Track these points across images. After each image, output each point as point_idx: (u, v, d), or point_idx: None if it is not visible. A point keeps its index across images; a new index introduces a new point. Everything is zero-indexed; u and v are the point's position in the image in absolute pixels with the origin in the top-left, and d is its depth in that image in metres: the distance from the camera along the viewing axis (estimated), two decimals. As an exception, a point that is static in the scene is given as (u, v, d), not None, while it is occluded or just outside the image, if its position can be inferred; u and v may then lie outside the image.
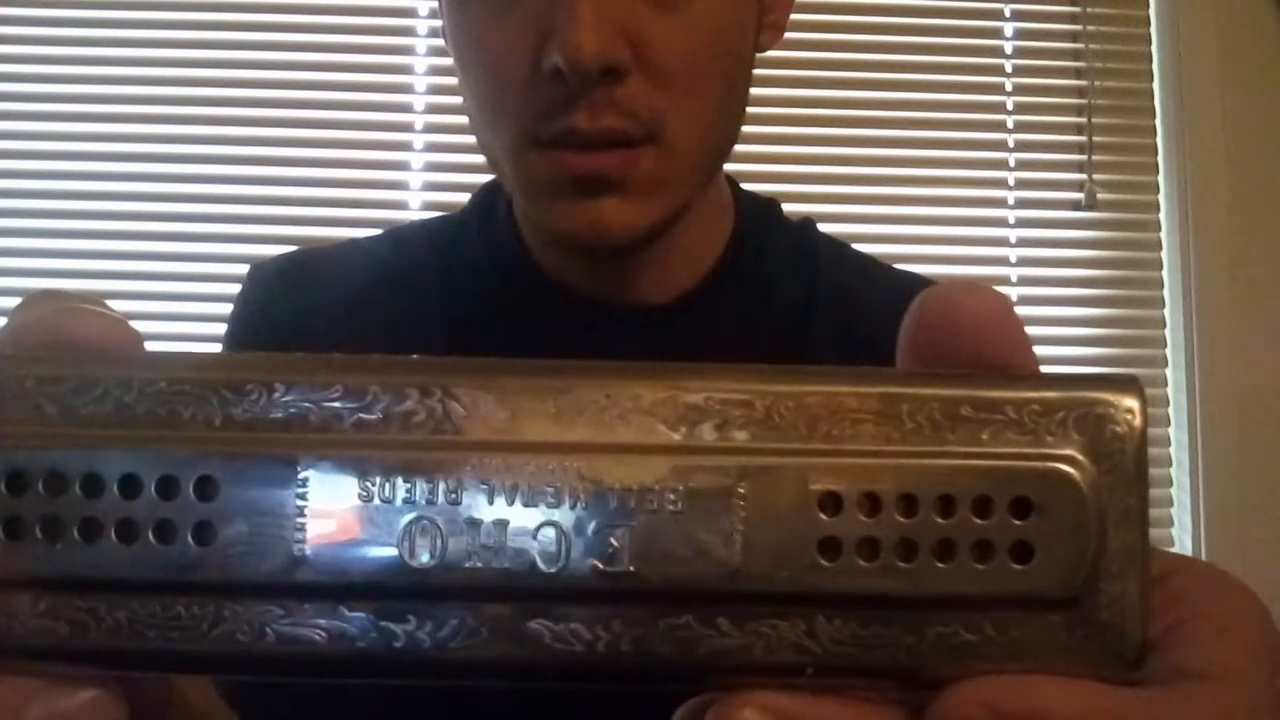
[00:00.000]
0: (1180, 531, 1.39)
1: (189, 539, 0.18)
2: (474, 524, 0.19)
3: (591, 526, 0.19)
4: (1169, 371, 1.42)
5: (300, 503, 0.19)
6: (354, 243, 0.59)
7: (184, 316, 1.38)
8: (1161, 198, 1.45)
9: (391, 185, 1.43)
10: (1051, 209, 1.45)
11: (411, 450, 0.19)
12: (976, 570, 0.18)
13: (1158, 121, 1.45)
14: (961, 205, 1.44)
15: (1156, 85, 1.46)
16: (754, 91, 0.50)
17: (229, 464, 0.19)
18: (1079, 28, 1.46)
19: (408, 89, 1.44)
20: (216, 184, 1.41)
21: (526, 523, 0.19)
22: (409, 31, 1.46)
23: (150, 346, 0.21)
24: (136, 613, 0.18)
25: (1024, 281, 1.45)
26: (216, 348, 0.57)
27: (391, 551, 0.18)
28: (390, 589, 0.19)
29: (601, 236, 0.45)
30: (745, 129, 0.51)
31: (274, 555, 0.18)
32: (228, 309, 0.57)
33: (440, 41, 0.51)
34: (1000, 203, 1.45)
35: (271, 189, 1.41)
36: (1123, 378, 0.20)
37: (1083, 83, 1.45)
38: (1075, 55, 1.46)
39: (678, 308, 0.52)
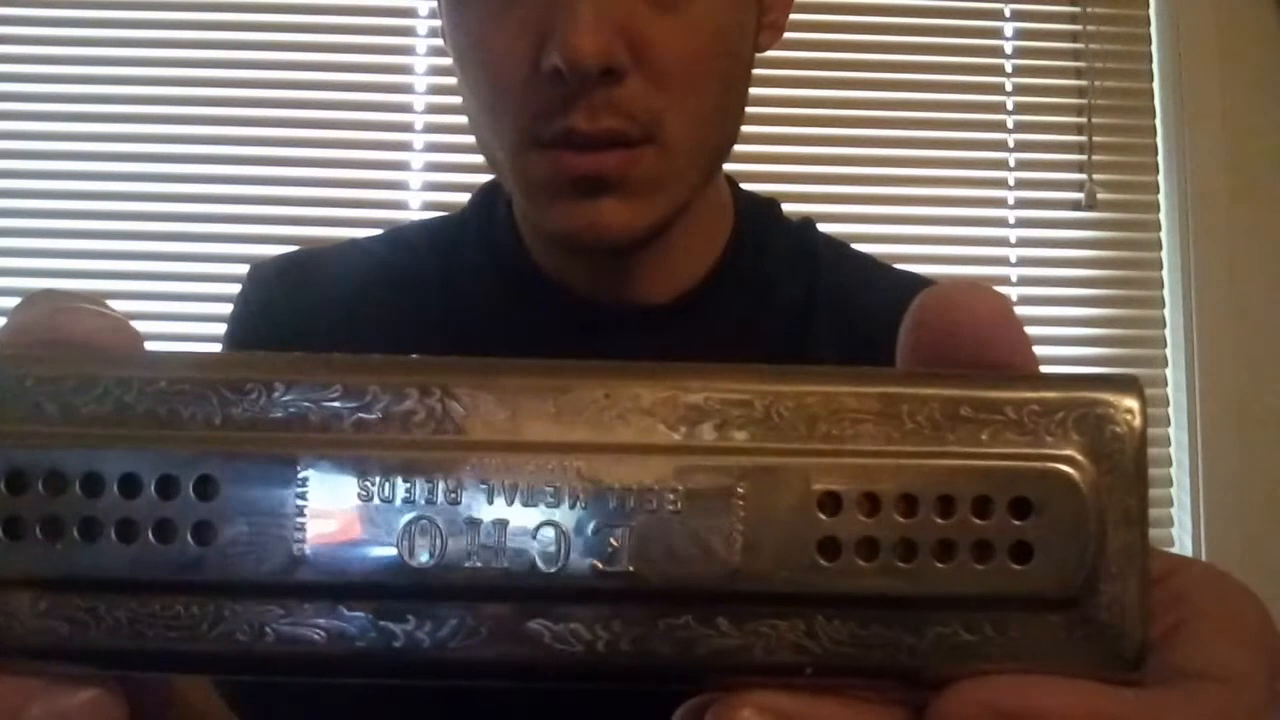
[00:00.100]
0: (1180, 531, 1.39)
1: (189, 539, 0.18)
2: (473, 524, 0.19)
3: (591, 526, 0.19)
4: (1169, 371, 1.42)
5: (300, 502, 0.19)
6: (354, 243, 0.59)
7: (184, 316, 1.38)
8: (1161, 198, 1.45)
9: (391, 185, 1.43)
10: (1051, 209, 1.45)
11: (411, 450, 0.19)
12: (976, 570, 0.18)
13: (1158, 121, 1.45)
14: (961, 205, 1.44)
15: (1156, 85, 1.46)
16: (754, 91, 0.50)
17: (229, 463, 0.19)
18: (1079, 28, 1.46)
19: (408, 89, 1.44)
20: (216, 184, 1.41)
21: (526, 523, 0.19)
22: (409, 31, 1.46)
23: (150, 346, 0.21)
24: (136, 612, 0.18)
25: (1024, 281, 1.45)
26: (216, 348, 0.57)
27: (391, 551, 0.18)
28: (390, 589, 0.19)
29: (600, 237, 0.45)
30: (745, 129, 0.51)
31: (274, 555, 0.18)
32: (228, 309, 0.57)
33: (440, 41, 0.51)
34: (1000, 203, 1.45)
35: (271, 189, 1.41)
36: (1122, 378, 0.20)
37: (1083, 83, 1.45)
38: (1075, 55, 1.46)
39: (677, 308, 0.52)
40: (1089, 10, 1.45)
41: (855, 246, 0.59)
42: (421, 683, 0.19)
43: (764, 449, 0.19)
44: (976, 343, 0.20)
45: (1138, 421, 0.19)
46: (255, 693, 0.36)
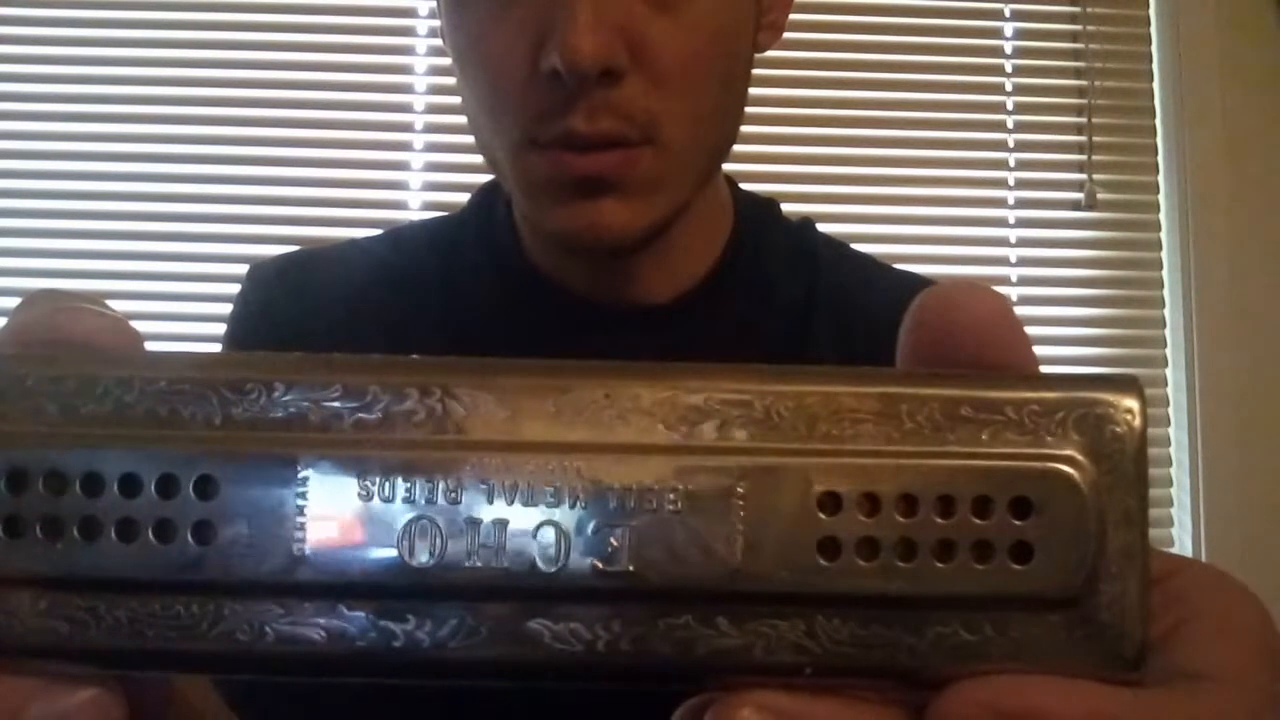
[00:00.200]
0: (1180, 531, 1.39)
1: (189, 538, 0.18)
2: (473, 523, 0.19)
3: (591, 526, 0.19)
4: (1169, 371, 1.42)
5: (300, 502, 0.19)
6: (354, 243, 0.59)
7: (184, 316, 1.38)
8: (1161, 198, 1.45)
9: (391, 185, 1.43)
10: (1051, 209, 1.45)
11: (411, 450, 0.19)
12: (976, 570, 0.18)
13: (1158, 121, 1.45)
14: (961, 205, 1.44)
15: (1156, 85, 1.46)
16: (754, 91, 0.50)
17: (229, 463, 0.19)
18: (1079, 28, 1.46)
19: (408, 89, 1.44)
20: (216, 184, 1.41)
21: (526, 522, 0.19)
22: (409, 31, 1.46)
23: (150, 346, 0.21)
24: (136, 612, 0.18)
25: (1024, 281, 1.45)
26: (216, 348, 0.57)
27: (391, 551, 0.18)
28: (390, 588, 0.19)
29: (600, 237, 0.45)
30: (745, 129, 0.51)
31: (274, 554, 0.18)
32: (228, 309, 0.57)
33: (440, 41, 0.51)
34: (1000, 203, 1.45)
35: (271, 189, 1.41)
36: (1122, 378, 0.20)
37: (1083, 83, 1.45)
38: (1075, 55, 1.46)
39: (677, 308, 0.52)
40: (1089, 10, 1.45)
41: (855, 246, 0.59)
42: (421, 682, 0.19)
43: (764, 449, 0.19)
44: (976, 343, 0.20)
45: (1138, 421, 0.19)
46: (255, 693, 0.36)
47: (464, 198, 0.59)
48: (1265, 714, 0.19)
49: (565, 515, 0.19)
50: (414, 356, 0.20)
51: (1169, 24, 1.44)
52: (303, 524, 0.19)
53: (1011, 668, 0.18)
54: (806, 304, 0.54)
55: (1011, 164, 1.46)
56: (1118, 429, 0.19)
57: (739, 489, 0.19)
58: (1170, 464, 1.41)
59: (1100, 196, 1.44)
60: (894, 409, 0.19)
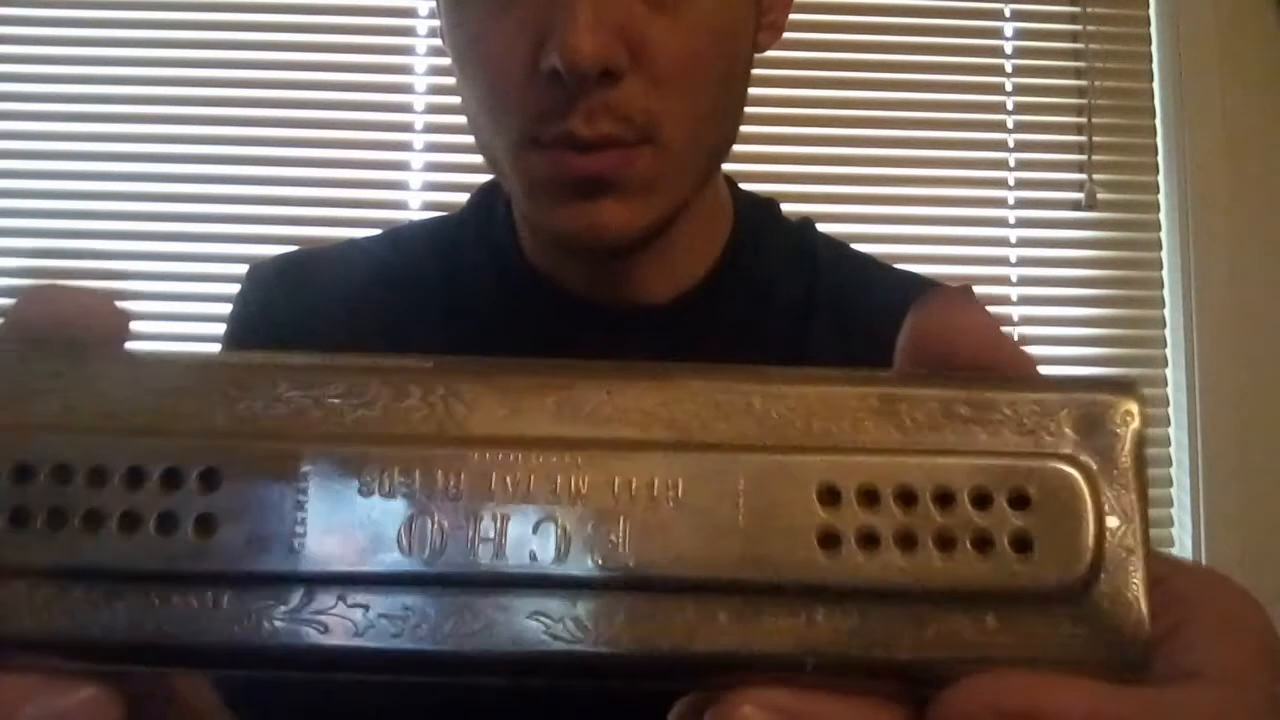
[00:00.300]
0: (1180, 531, 1.39)
1: (190, 532, 0.19)
2: (474, 519, 0.19)
3: (591, 522, 0.19)
4: (1169, 371, 1.42)
5: (301, 498, 0.19)
6: (353, 243, 0.59)
7: (184, 316, 1.38)
8: (1161, 198, 1.45)
9: (391, 185, 1.43)
10: (1051, 209, 1.45)
11: (412, 446, 0.19)
12: (976, 564, 0.18)
13: (1158, 121, 1.45)
14: (961, 205, 1.44)
15: (1156, 85, 1.46)
16: (754, 91, 0.50)
17: (231, 458, 0.19)
18: (1079, 28, 1.46)
19: (408, 89, 1.44)
20: (216, 184, 1.41)
21: (526, 519, 0.19)
22: (409, 31, 1.46)
23: (150, 346, 0.21)
24: (136, 605, 0.19)
25: (1024, 281, 1.44)
26: (216, 348, 0.57)
27: (391, 546, 0.19)
28: (389, 584, 0.19)
29: (600, 237, 0.45)
30: (745, 129, 0.51)
31: (274, 550, 0.19)
32: (227, 309, 0.57)
33: (440, 41, 0.51)
34: (1000, 203, 1.45)
35: (271, 189, 1.41)
36: (1120, 380, 0.20)
37: (1083, 83, 1.45)
38: (1075, 55, 1.46)
39: (677, 308, 0.52)
40: (1089, 10, 1.45)
41: (855, 246, 0.59)
42: (420, 678, 0.19)
43: (764, 445, 0.19)
44: (972, 355, 0.20)
45: (1136, 421, 0.19)
46: (253, 693, 0.36)
47: (464, 198, 0.59)
48: (1265, 714, 0.19)
49: (565, 511, 0.19)
50: (416, 355, 0.20)
51: (1169, 24, 1.44)
52: (303, 519, 0.19)
53: (1013, 664, 0.18)
54: (806, 304, 0.54)
55: (1011, 164, 1.46)
56: (1116, 427, 0.19)
57: (739, 484, 0.19)
58: (1170, 464, 1.41)
59: (1100, 196, 1.44)
60: (893, 407, 0.19)
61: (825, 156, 1.43)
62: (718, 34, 0.46)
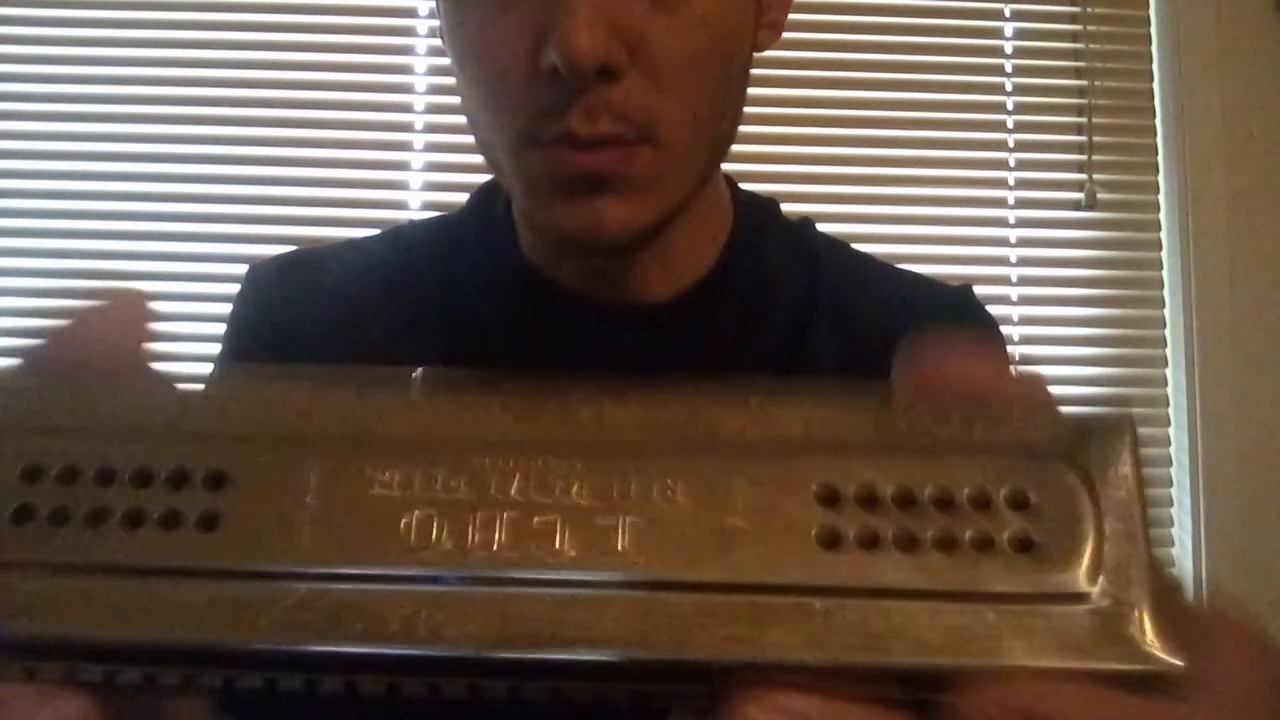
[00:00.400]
0: (1180, 532, 1.39)
1: (193, 530, 0.19)
2: (474, 520, 0.19)
3: (593, 523, 0.19)
4: (1169, 372, 1.42)
5: (304, 497, 0.19)
6: (353, 243, 0.59)
7: (184, 316, 1.38)
8: (1161, 198, 1.45)
9: (391, 185, 1.43)
10: (1051, 209, 1.45)
11: (415, 448, 0.19)
12: (977, 567, 0.19)
13: (1158, 121, 1.45)
14: (961, 205, 1.44)
15: (1156, 85, 1.46)
16: (754, 91, 0.50)
17: (236, 457, 0.19)
18: (1079, 28, 1.46)
19: (408, 89, 1.44)
20: (216, 184, 1.41)
21: (528, 519, 0.19)
22: (409, 31, 1.46)
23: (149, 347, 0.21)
24: (135, 600, 0.19)
25: (1024, 281, 1.44)
26: (216, 348, 0.57)
27: (393, 547, 0.19)
28: (391, 583, 0.19)
29: (599, 236, 0.45)
30: (745, 129, 0.51)
31: (276, 548, 0.19)
32: (227, 309, 0.57)
33: (440, 41, 0.51)
34: (1000, 203, 1.45)
35: (271, 189, 1.41)
36: (1115, 414, 0.20)
37: (1083, 83, 1.45)
38: (1075, 55, 1.47)
39: (676, 307, 0.52)
40: (1089, 10, 1.45)
41: (855, 246, 0.59)
42: (420, 678, 0.19)
43: (764, 446, 0.19)
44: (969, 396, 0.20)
45: (1133, 430, 0.19)
46: (252, 698, 0.36)
47: (464, 198, 0.58)
48: None
49: (567, 511, 0.19)
50: (418, 366, 0.20)
51: (1169, 24, 1.44)
52: (305, 518, 0.19)
53: (1016, 665, 0.18)
54: (806, 304, 0.54)
55: (1011, 164, 1.46)
56: (1114, 434, 0.19)
57: (740, 484, 0.19)
58: (1170, 464, 1.41)
59: (1100, 196, 1.44)
60: (890, 413, 0.19)
61: (825, 156, 1.43)
62: (717, 33, 0.46)
